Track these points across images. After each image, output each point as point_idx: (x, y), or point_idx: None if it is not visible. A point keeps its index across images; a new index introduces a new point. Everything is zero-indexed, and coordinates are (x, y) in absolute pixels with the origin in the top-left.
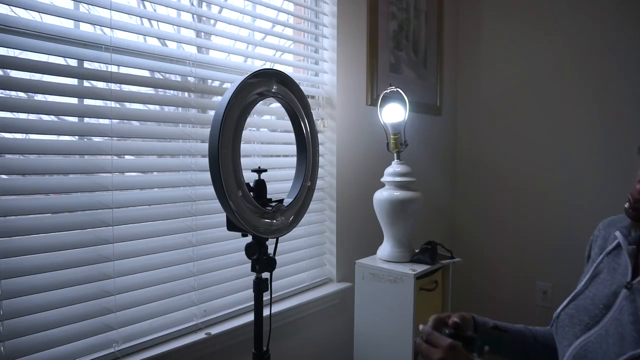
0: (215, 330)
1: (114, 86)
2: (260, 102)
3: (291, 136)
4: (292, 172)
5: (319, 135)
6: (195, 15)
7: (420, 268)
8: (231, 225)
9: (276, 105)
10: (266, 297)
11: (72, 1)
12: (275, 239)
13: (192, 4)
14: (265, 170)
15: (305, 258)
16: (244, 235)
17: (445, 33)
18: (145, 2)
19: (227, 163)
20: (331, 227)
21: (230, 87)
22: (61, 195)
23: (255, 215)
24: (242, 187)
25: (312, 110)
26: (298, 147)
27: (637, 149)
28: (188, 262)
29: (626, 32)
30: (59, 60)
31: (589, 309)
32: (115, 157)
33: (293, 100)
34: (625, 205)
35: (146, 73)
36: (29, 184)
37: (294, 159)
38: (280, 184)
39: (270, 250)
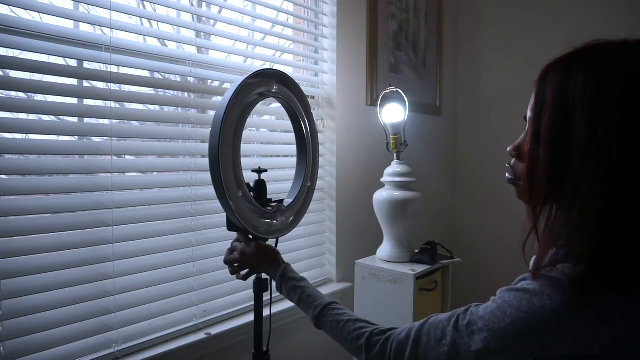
0: (215, 330)
1: (113, 86)
2: (261, 102)
3: (291, 136)
4: (292, 172)
5: (319, 136)
6: (195, 16)
7: (420, 268)
8: (231, 226)
9: (276, 105)
10: (266, 297)
11: (72, 1)
12: (275, 239)
13: (192, 4)
14: (265, 171)
15: (305, 258)
16: None
17: (445, 33)
18: (145, 2)
19: (228, 163)
20: (331, 227)
21: (230, 87)
22: (61, 195)
23: (256, 216)
24: (242, 188)
25: (312, 111)
26: (298, 148)
27: (523, 117)
28: (188, 262)
29: (628, 32)
30: (59, 61)
31: None
32: (115, 158)
33: (293, 101)
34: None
35: (146, 73)
36: (29, 184)
37: (294, 159)
38: (280, 184)
39: None
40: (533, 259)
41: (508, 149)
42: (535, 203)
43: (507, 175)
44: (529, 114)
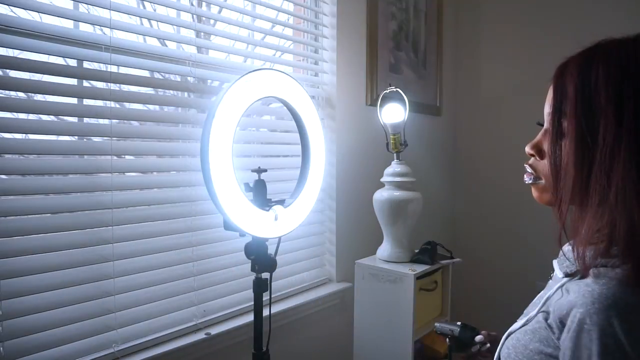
0: (215, 330)
1: (113, 86)
2: (260, 102)
3: (291, 136)
4: (292, 172)
5: None
6: (195, 16)
7: (420, 268)
8: (228, 225)
9: (276, 105)
10: (266, 297)
11: (72, 1)
12: (277, 239)
13: (192, 4)
14: (265, 170)
15: (305, 258)
16: (241, 235)
17: (445, 33)
18: (145, 2)
19: (219, 164)
20: (331, 227)
21: (225, 87)
22: (61, 195)
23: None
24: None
25: (315, 109)
26: (303, 148)
27: (537, 123)
28: (188, 262)
29: (627, 31)
30: (59, 60)
31: (535, 302)
32: (115, 157)
33: (294, 100)
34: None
35: (146, 73)
36: (29, 184)
37: (294, 159)
38: (281, 184)
39: (271, 250)
40: (556, 262)
41: (526, 149)
42: (562, 200)
43: (526, 177)
44: (547, 110)
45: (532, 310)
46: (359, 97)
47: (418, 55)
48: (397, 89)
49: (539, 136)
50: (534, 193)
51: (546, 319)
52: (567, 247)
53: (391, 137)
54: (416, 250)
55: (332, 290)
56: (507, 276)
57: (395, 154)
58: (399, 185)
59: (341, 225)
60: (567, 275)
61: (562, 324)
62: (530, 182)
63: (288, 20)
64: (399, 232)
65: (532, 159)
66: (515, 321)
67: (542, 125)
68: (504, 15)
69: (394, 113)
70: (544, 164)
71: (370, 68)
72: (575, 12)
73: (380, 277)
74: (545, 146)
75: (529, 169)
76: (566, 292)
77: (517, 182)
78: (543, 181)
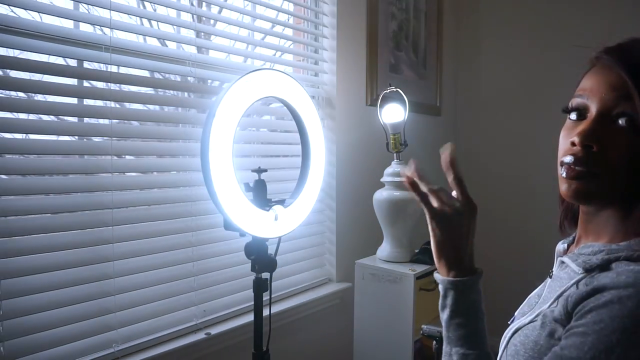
0: (215, 330)
1: (113, 86)
2: (260, 102)
3: (291, 136)
4: (292, 172)
5: None
6: (195, 16)
7: (420, 268)
8: (228, 224)
9: (276, 105)
10: (266, 297)
11: (72, 1)
12: (277, 239)
13: (192, 4)
14: (265, 170)
15: (305, 258)
16: (241, 235)
17: (445, 33)
18: (145, 2)
19: (219, 164)
20: (331, 227)
21: (225, 87)
22: (61, 195)
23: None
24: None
25: (315, 109)
26: (303, 148)
27: (563, 110)
28: (188, 262)
29: (627, 31)
30: (59, 60)
31: (530, 302)
32: (115, 157)
33: (294, 100)
34: (563, 174)
35: (146, 73)
36: (29, 184)
37: (294, 159)
38: (281, 184)
39: (271, 250)
40: (568, 258)
41: (580, 139)
42: (618, 197)
43: (567, 172)
44: (610, 94)
45: (527, 309)
46: (359, 97)
47: (418, 55)
48: (397, 89)
49: (591, 124)
50: (578, 187)
51: (553, 312)
52: (561, 246)
53: (391, 137)
54: (416, 250)
55: (332, 290)
56: (507, 276)
57: (395, 154)
58: (399, 185)
59: (341, 225)
60: (586, 270)
61: (573, 307)
62: (577, 177)
63: (288, 20)
64: (399, 232)
65: (581, 150)
66: (509, 323)
67: (571, 111)
68: (503, 16)
69: (394, 113)
70: (605, 156)
71: (370, 68)
72: (574, 13)
73: (380, 277)
74: (610, 136)
75: (575, 164)
76: (585, 286)
77: (516, 181)
78: (607, 176)
